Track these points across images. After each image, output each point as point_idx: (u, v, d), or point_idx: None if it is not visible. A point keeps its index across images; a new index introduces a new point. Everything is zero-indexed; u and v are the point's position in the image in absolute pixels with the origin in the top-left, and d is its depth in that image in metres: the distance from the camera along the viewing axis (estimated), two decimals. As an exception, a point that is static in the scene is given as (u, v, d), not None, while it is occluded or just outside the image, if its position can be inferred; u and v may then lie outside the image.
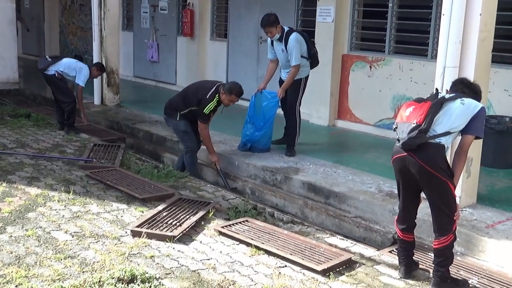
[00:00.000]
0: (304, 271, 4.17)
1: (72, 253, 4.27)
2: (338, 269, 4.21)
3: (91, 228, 4.79)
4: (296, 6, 9.47)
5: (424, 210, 4.41)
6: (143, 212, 5.25)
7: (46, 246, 4.38)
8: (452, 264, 4.01)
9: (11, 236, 4.55)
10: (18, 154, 6.94)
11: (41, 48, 16.21)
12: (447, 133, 3.81)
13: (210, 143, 6.70)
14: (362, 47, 8.80)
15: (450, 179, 3.83)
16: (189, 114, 6.65)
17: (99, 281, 3.75)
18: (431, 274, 4.05)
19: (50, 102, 9.76)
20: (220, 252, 4.47)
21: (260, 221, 5.10)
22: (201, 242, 4.65)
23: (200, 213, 5.14)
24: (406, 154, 3.84)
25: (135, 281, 3.78)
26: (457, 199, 4.12)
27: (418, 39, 8.02)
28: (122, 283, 3.73)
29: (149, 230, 4.68)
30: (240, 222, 5.04)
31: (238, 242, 4.65)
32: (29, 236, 4.56)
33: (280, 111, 7.29)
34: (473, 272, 4.27)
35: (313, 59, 7.16)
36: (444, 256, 3.92)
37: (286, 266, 4.26)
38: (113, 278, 3.78)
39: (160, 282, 3.86)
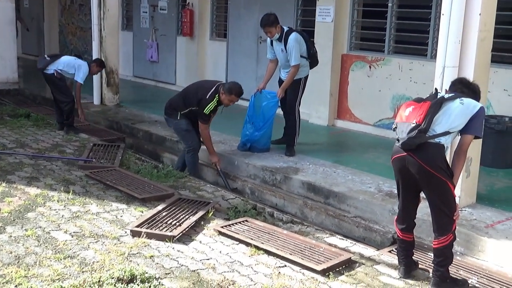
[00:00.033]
0: (303, 271, 4.18)
1: (72, 253, 4.27)
2: (337, 269, 4.21)
3: (91, 228, 4.79)
4: (295, 6, 9.47)
5: (423, 210, 4.41)
6: (142, 212, 5.25)
7: (46, 246, 4.38)
8: (451, 264, 4.01)
9: (11, 236, 4.55)
10: (18, 154, 6.94)
11: (40, 48, 16.21)
12: (446, 133, 3.81)
13: (210, 143, 6.69)
14: (361, 47, 8.80)
15: (449, 179, 3.83)
16: (190, 114, 6.65)
17: (99, 281, 3.75)
18: (431, 274, 4.06)
19: (49, 102, 9.76)
20: (220, 252, 4.47)
21: (260, 221, 5.10)
22: (200, 242, 4.65)
23: (200, 213, 5.13)
24: (405, 154, 3.84)
25: (134, 281, 3.78)
26: (457, 199, 4.12)
27: (417, 39, 8.03)
28: (122, 283, 3.73)
29: (148, 230, 4.68)
30: (239, 222, 5.04)
31: (237, 242, 4.66)
32: (29, 236, 4.56)
33: (279, 111, 7.29)
34: (472, 272, 4.27)
35: (312, 59, 7.16)
36: (444, 256, 3.92)
37: (285, 266, 4.26)
38: (112, 278, 3.78)
39: (159, 282, 3.86)
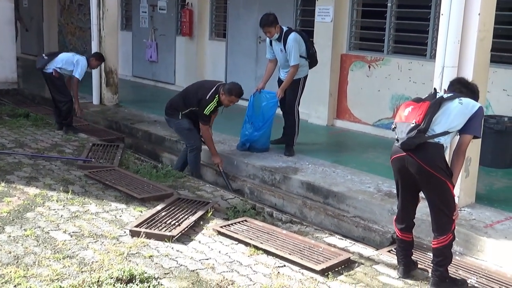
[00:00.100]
0: (303, 271, 4.17)
1: (71, 253, 4.27)
2: (337, 269, 4.21)
3: (90, 228, 4.79)
4: (295, 6, 9.47)
5: (422, 209, 4.41)
6: (141, 212, 5.25)
7: (45, 246, 4.38)
8: (451, 264, 4.01)
9: (10, 236, 4.54)
10: (17, 154, 6.93)
11: (40, 48, 16.19)
12: (445, 133, 3.81)
13: (212, 144, 6.67)
14: (361, 47, 8.80)
15: (449, 179, 3.83)
16: (190, 114, 6.63)
17: (98, 281, 3.75)
18: (430, 274, 4.06)
19: (48, 102, 9.74)
20: (219, 252, 4.47)
21: (259, 221, 5.10)
22: (199, 242, 4.65)
23: (199, 213, 5.13)
24: (405, 154, 3.84)
25: (133, 281, 3.78)
26: (456, 199, 4.13)
27: (417, 39, 8.03)
28: (121, 283, 3.73)
29: (147, 230, 4.68)
30: (239, 222, 5.03)
31: (237, 242, 4.65)
32: (28, 236, 4.56)
33: (279, 111, 7.29)
34: (471, 272, 4.27)
35: (312, 59, 7.16)
36: (443, 256, 3.92)
37: (285, 265, 4.26)
38: (111, 278, 3.78)
39: (158, 282, 3.86)
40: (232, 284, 3.94)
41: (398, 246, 4.21)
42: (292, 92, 7.07)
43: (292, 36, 6.88)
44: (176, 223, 4.88)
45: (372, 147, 7.58)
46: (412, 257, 4.23)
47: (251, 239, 4.64)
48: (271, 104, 7.08)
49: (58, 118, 8.37)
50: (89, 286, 3.71)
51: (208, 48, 11.45)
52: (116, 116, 9.39)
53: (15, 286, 3.73)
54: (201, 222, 5.04)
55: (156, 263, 4.19)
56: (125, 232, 4.74)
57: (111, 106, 10.17)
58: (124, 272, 3.81)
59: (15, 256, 4.17)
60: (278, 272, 4.14)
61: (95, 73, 10.15)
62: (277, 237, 4.72)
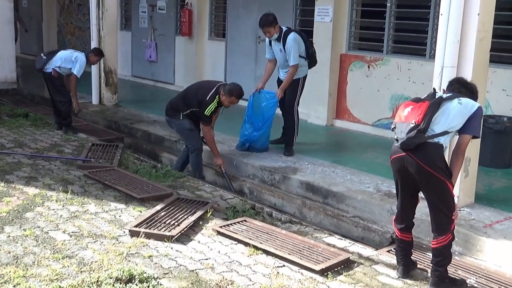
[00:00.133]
0: (302, 271, 4.17)
1: (70, 253, 4.27)
2: (336, 269, 4.21)
3: (89, 228, 4.79)
4: (294, 6, 9.47)
5: (422, 209, 4.41)
6: (141, 212, 5.25)
7: (44, 246, 4.37)
8: (450, 264, 4.01)
9: (9, 236, 4.54)
10: (16, 154, 6.93)
11: (39, 47, 16.18)
12: (445, 133, 3.81)
13: (215, 145, 6.64)
14: (360, 47, 8.80)
15: (448, 179, 3.84)
16: (191, 115, 6.61)
17: (97, 281, 3.75)
18: (429, 274, 4.06)
19: (48, 102, 9.73)
20: (218, 252, 4.47)
21: (258, 221, 5.10)
22: (199, 242, 4.65)
23: (198, 213, 5.13)
24: (404, 154, 3.84)
25: (133, 281, 3.78)
26: (455, 199, 4.13)
27: (416, 38, 8.03)
28: (120, 283, 3.73)
29: (147, 230, 4.68)
30: (238, 222, 5.03)
31: (236, 242, 4.65)
32: (27, 236, 4.55)
33: (278, 111, 7.29)
34: (471, 272, 4.27)
35: (311, 59, 7.16)
36: (443, 256, 3.92)
37: (284, 266, 4.26)
38: (111, 278, 3.78)
39: (158, 282, 3.86)
40: (231, 284, 3.94)
41: (397, 246, 4.21)
42: (291, 92, 7.07)
43: (292, 36, 6.88)
44: (176, 223, 4.87)
45: (372, 147, 7.58)
46: (411, 257, 4.23)
47: (250, 239, 4.64)
48: (271, 104, 7.08)
49: (57, 118, 8.36)
50: (89, 286, 3.70)
51: (207, 48, 11.45)
52: (115, 116, 9.39)
53: (14, 286, 3.73)
54: (201, 222, 5.04)
55: (156, 263, 4.19)
56: (124, 232, 4.74)
57: (110, 106, 10.17)
58: (123, 272, 3.81)
59: (14, 256, 4.17)
60: (278, 272, 4.14)
61: (94, 73, 10.16)
62: (277, 237, 4.72)
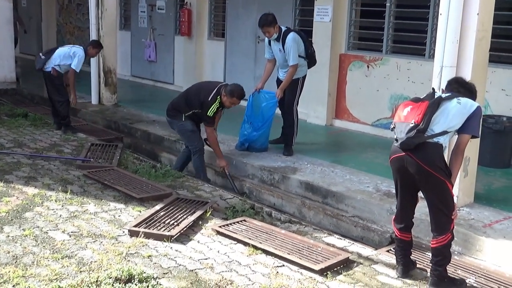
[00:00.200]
0: (301, 271, 4.17)
1: (70, 253, 4.27)
2: (335, 269, 4.21)
3: (89, 228, 4.78)
4: (293, 6, 9.48)
5: (421, 209, 4.42)
6: (140, 211, 5.25)
7: (44, 246, 4.37)
8: (449, 263, 4.01)
9: (8, 236, 4.54)
10: (16, 154, 6.93)
11: (38, 47, 16.18)
12: (444, 133, 3.82)
13: (218, 147, 6.60)
14: (359, 47, 8.80)
15: (448, 178, 3.84)
16: (193, 116, 6.59)
17: (97, 281, 3.75)
18: (429, 274, 4.06)
19: (47, 102, 9.72)
20: (218, 251, 4.47)
21: (258, 221, 5.10)
22: (198, 241, 4.65)
23: (198, 213, 5.13)
24: (404, 154, 3.84)
25: (132, 280, 3.78)
26: (455, 198, 4.13)
27: (415, 38, 8.03)
28: (120, 283, 3.73)
29: (146, 230, 4.67)
30: (237, 222, 5.03)
31: (235, 242, 4.65)
32: (27, 236, 4.55)
33: (278, 110, 7.28)
34: (470, 272, 4.28)
35: (310, 58, 7.16)
36: (442, 255, 3.93)
37: (283, 265, 4.26)
38: (110, 277, 3.77)
39: (157, 282, 3.86)
40: (231, 284, 3.94)
41: (397, 246, 4.21)
42: (291, 92, 7.08)
43: (291, 36, 6.88)
44: (175, 223, 4.87)
45: (371, 147, 7.59)
46: (411, 256, 4.23)
47: (250, 238, 4.64)
48: (271, 105, 7.09)
49: (56, 118, 8.36)
50: (88, 286, 3.70)
51: (207, 48, 11.44)
52: (115, 116, 9.39)
53: (13, 286, 3.73)
54: (200, 222, 5.04)
55: (155, 263, 4.18)
56: (124, 232, 4.74)
57: (109, 106, 10.16)
58: (123, 272, 3.81)
59: (13, 256, 4.17)
60: (277, 272, 4.14)
61: (93, 72, 10.16)
62: (276, 236, 4.72)
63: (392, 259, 4.38)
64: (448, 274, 4.01)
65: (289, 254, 4.36)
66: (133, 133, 8.60)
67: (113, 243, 4.50)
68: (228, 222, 5.03)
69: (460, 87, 4.04)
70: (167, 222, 4.89)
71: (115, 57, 10.45)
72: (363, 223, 5.31)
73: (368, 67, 8.49)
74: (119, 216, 5.12)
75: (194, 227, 4.91)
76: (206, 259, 4.31)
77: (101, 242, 4.50)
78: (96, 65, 10.10)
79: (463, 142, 3.91)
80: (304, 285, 3.96)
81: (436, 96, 3.90)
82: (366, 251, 4.62)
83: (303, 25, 9.35)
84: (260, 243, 4.55)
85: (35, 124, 8.62)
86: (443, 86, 4.55)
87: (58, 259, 4.15)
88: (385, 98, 8.28)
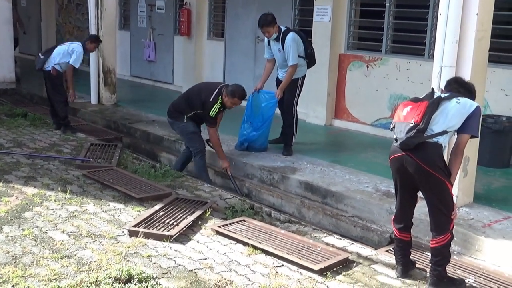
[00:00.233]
0: (301, 271, 4.17)
1: (69, 253, 4.26)
2: (335, 269, 4.21)
3: (88, 228, 4.78)
4: (293, 6, 9.48)
5: (421, 209, 4.41)
6: (140, 211, 5.24)
7: (43, 246, 4.37)
8: (449, 263, 4.01)
9: (8, 235, 4.54)
10: (15, 154, 6.92)
11: (38, 47, 16.16)
12: (444, 132, 3.82)
13: (221, 148, 6.57)
14: (359, 47, 8.80)
15: (447, 178, 3.84)
16: (195, 117, 6.58)
17: (96, 281, 3.74)
18: (428, 274, 4.06)
19: (46, 102, 9.73)
20: (217, 251, 4.46)
21: (257, 221, 5.10)
22: (198, 241, 4.65)
23: (197, 213, 5.13)
24: (403, 153, 3.84)
25: (132, 280, 3.78)
26: (454, 198, 4.13)
27: (415, 38, 8.04)
28: (119, 283, 3.73)
29: (146, 230, 4.67)
30: (237, 222, 5.03)
31: (235, 242, 4.65)
32: (26, 235, 4.55)
33: (277, 110, 7.28)
34: (470, 271, 4.28)
35: (310, 58, 7.16)
36: (441, 255, 3.93)
37: (283, 265, 4.26)
38: (110, 277, 3.77)
39: (157, 282, 3.86)
40: (230, 283, 3.94)
41: (396, 246, 4.21)
42: (290, 92, 7.08)
43: (290, 36, 6.88)
44: (174, 223, 4.87)
45: (371, 147, 7.59)
46: (410, 256, 4.23)
47: (249, 238, 4.64)
48: (271, 105, 7.09)
49: (54, 118, 8.36)
50: (87, 286, 3.70)
51: (206, 48, 11.44)
52: (114, 116, 9.39)
53: (13, 286, 3.72)
54: (199, 222, 5.04)
55: (154, 263, 4.18)
56: (123, 232, 4.73)
57: (109, 106, 10.16)
58: (122, 272, 3.81)
59: (13, 256, 4.17)
60: (276, 272, 4.14)
61: (93, 72, 10.15)
62: (276, 236, 4.72)
63: (391, 259, 4.38)
64: (448, 274, 4.01)
65: (288, 254, 4.36)
66: (132, 133, 8.60)
67: (112, 243, 4.49)
68: (228, 222, 5.02)
69: (459, 87, 4.04)
70: (166, 222, 4.89)
71: (114, 57, 10.45)
72: (362, 223, 5.31)
73: (367, 67, 8.49)
74: (118, 216, 5.12)
75: (193, 227, 4.91)
76: (205, 259, 4.31)
77: (101, 242, 4.50)
78: (96, 65, 10.10)
79: (463, 142, 3.91)
80: (303, 285, 3.96)
81: (435, 96, 3.90)
82: (366, 251, 4.62)
83: (303, 25, 9.35)
84: (260, 243, 4.55)
85: (34, 124, 8.62)
86: (443, 86, 4.56)
87: (58, 259, 4.14)
88: (384, 98, 8.28)
